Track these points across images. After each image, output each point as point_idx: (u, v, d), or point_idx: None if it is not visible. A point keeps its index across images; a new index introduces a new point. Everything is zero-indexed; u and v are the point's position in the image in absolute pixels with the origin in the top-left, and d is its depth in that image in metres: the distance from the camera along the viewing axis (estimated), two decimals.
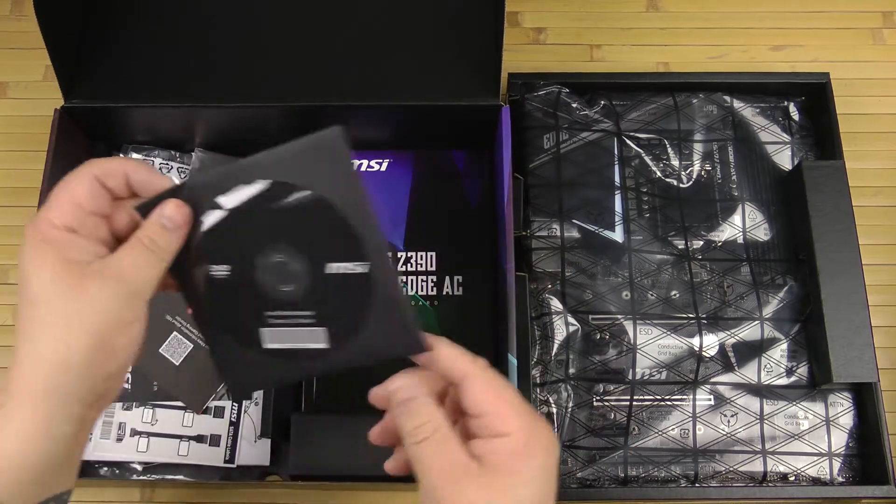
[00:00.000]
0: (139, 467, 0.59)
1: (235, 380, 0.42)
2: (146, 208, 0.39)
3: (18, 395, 0.36)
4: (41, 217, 0.38)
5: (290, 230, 0.37)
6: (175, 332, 0.60)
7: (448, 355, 0.38)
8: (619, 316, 0.61)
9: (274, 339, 0.41)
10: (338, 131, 0.35)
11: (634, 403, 0.59)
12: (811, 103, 0.68)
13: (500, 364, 0.59)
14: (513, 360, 0.54)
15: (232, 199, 0.36)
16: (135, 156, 0.66)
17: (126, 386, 0.60)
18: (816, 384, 0.60)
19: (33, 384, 0.36)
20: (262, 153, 0.35)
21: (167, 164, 0.66)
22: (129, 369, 0.44)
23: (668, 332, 0.60)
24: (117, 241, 0.40)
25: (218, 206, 0.37)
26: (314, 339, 0.41)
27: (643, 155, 0.65)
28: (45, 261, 0.37)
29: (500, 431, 0.37)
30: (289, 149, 0.35)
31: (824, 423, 0.60)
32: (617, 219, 0.63)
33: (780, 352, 0.61)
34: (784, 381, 0.60)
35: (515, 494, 0.36)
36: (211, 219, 0.38)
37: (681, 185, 0.65)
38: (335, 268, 0.37)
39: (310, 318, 0.40)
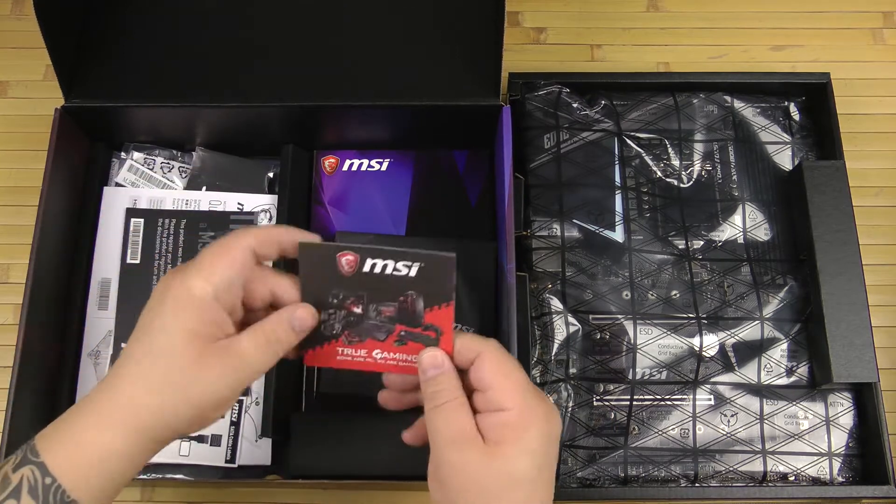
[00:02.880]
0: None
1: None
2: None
3: (114, 421, 0.40)
4: (193, 274, 0.41)
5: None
6: None
7: (464, 340, 0.42)
8: (620, 316, 0.61)
9: None
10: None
11: (634, 403, 0.60)
12: (812, 103, 0.68)
13: None
14: None
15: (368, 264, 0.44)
16: (136, 155, 0.66)
17: None
18: (816, 384, 0.60)
19: (132, 421, 0.40)
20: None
21: (168, 163, 0.66)
22: None
23: (669, 332, 0.60)
24: (246, 310, 0.44)
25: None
26: None
27: (643, 155, 0.65)
28: (184, 322, 0.40)
29: (500, 406, 0.40)
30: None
31: (824, 423, 0.60)
32: (617, 219, 0.63)
33: (780, 352, 0.61)
34: (784, 381, 0.60)
35: (508, 466, 0.39)
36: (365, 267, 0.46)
37: (681, 185, 0.65)
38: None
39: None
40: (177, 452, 0.59)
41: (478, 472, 0.39)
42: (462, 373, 0.42)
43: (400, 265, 0.44)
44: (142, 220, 0.64)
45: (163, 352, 0.40)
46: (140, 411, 0.40)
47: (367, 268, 0.44)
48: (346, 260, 0.44)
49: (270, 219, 0.64)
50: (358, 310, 0.45)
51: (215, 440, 0.59)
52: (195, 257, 0.42)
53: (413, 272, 0.45)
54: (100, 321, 0.62)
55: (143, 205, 0.64)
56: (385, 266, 0.45)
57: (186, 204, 0.64)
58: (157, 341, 0.40)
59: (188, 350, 0.40)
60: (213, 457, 0.59)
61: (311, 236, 0.44)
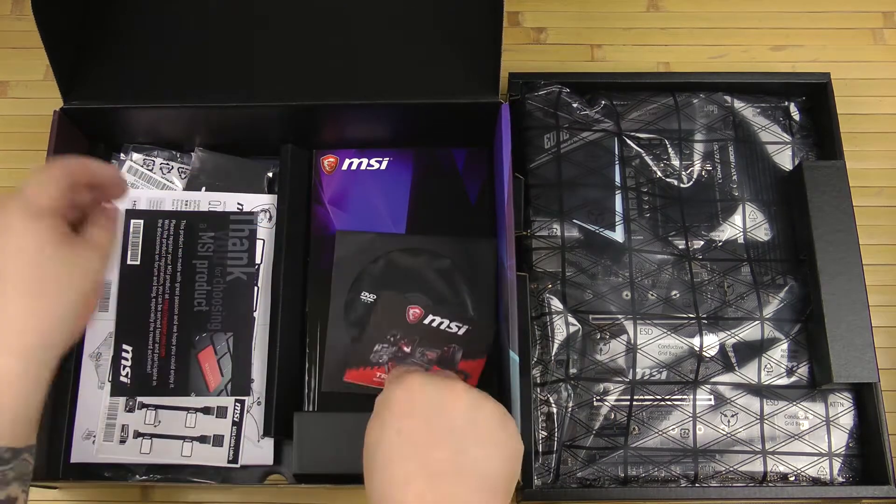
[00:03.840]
0: (142, 468, 0.59)
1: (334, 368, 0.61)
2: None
3: (9, 345, 0.42)
4: (35, 193, 0.46)
5: (424, 285, 0.60)
6: None
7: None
8: (620, 316, 0.61)
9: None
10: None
11: (635, 403, 0.60)
12: (812, 103, 0.68)
13: (501, 361, 0.59)
14: (514, 357, 0.54)
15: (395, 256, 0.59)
16: (136, 156, 0.66)
17: None
18: (817, 384, 0.60)
19: (29, 336, 0.43)
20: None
21: (168, 164, 0.66)
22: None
23: (669, 332, 0.60)
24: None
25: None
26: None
27: (644, 155, 0.65)
28: (45, 231, 0.45)
29: None
30: (451, 238, 0.61)
31: (824, 423, 0.60)
32: (617, 219, 0.63)
33: (780, 352, 0.61)
34: (784, 381, 0.61)
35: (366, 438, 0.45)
36: (376, 265, 0.60)
37: (681, 185, 0.65)
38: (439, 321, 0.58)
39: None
40: (179, 453, 0.59)
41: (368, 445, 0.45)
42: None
43: (453, 325, 0.58)
44: (141, 221, 0.64)
45: (40, 259, 0.44)
46: (30, 323, 0.43)
47: (427, 321, 0.58)
48: (414, 312, 0.58)
49: (270, 219, 0.64)
50: (407, 349, 0.57)
51: (217, 440, 0.59)
52: (21, 187, 0.46)
53: (461, 332, 0.57)
54: (100, 323, 0.61)
55: (142, 206, 0.64)
56: (441, 323, 0.57)
57: (186, 205, 0.64)
58: (29, 253, 0.44)
59: (49, 247, 0.45)
60: (215, 457, 0.59)
61: (110, 167, 0.55)
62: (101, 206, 0.51)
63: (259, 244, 0.63)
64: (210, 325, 0.61)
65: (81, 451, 0.59)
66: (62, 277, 0.45)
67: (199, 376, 0.60)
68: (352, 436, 0.57)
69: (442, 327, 0.56)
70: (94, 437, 0.59)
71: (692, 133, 0.66)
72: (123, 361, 0.60)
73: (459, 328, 0.56)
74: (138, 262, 0.63)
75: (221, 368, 0.61)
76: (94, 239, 0.49)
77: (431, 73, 0.61)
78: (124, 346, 0.61)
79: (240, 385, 0.60)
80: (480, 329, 0.57)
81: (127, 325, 0.61)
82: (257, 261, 0.63)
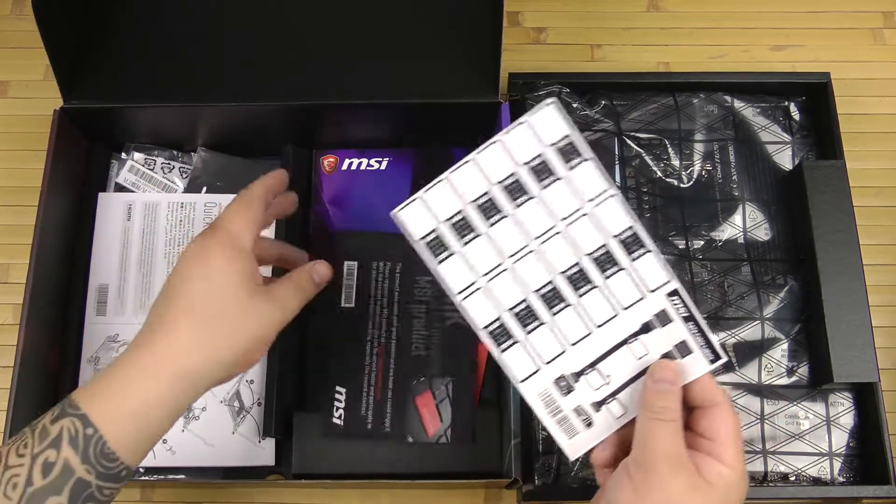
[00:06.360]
0: (142, 469, 0.59)
1: None
2: None
3: (158, 370, 0.42)
4: (237, 225, 0.45)
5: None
6: None
7: (708, 380, 0.43)
8: None
9: None
10: None
11: None
12: (812, 103, 0.68)
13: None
14: None
15: None
16: (137, 155, 0.66)
17: None
18: (817, 384, 0.60)
19: (174, 367, 0.42)
20: None
21: (169, 163, 0.66)
22: None
23: None
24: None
25: None
26: None
27: (644, 155, 0.65)
28: (237, 267, 0.44)
29: (721, 459, 0.41)
30: None
31: (825, 422, 0.60)
32: None
33: (780, 352, 0.61)
34: (785, 380, 0.60)
35: None
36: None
37: (681, 185, 0.65)
38: None
39: None
40: (178, 454, 0.59)
41: (680, 496, 0.40)
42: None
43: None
44: (355, 264, 0.63)
45: (220, 290, 0.43)
46: (188, 356, 0.42)
47: None
48: None
49: None
50: None
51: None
52: (220, 217, 0.46)
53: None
54: (97, 327, 0.61)
55: (138, 209, 0.64)
56: None
57: (182, 207, 0.64)
58: (206, 288, 0.43)
59: (241, 290, 0.44)
60: (215, 458, 0.59)
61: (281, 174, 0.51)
62: (307, 268, 0.50)
63: None
64: (429, 369, 0.59)
65: None
66: (240, 321, 0.44)
67: (417, 420, 0.59)
68: (351, 435, 0.57)
69: None
70: None
71: (692, 133, 0.66)
72: (336, 403, 0.59)
73: None
74: (353, 305, 0.61)
75: (441, 413, 0.59)
76: (282, 297, 0.46)
77: (431, 73, 0.61)
78: (338, 388, 0.59)
79: (461, 431, 0.58)
80: None
81: (341, 367, 0.60)
82: None
